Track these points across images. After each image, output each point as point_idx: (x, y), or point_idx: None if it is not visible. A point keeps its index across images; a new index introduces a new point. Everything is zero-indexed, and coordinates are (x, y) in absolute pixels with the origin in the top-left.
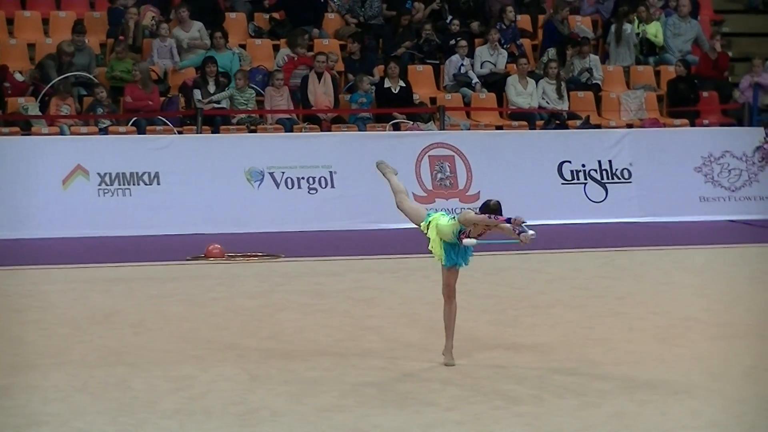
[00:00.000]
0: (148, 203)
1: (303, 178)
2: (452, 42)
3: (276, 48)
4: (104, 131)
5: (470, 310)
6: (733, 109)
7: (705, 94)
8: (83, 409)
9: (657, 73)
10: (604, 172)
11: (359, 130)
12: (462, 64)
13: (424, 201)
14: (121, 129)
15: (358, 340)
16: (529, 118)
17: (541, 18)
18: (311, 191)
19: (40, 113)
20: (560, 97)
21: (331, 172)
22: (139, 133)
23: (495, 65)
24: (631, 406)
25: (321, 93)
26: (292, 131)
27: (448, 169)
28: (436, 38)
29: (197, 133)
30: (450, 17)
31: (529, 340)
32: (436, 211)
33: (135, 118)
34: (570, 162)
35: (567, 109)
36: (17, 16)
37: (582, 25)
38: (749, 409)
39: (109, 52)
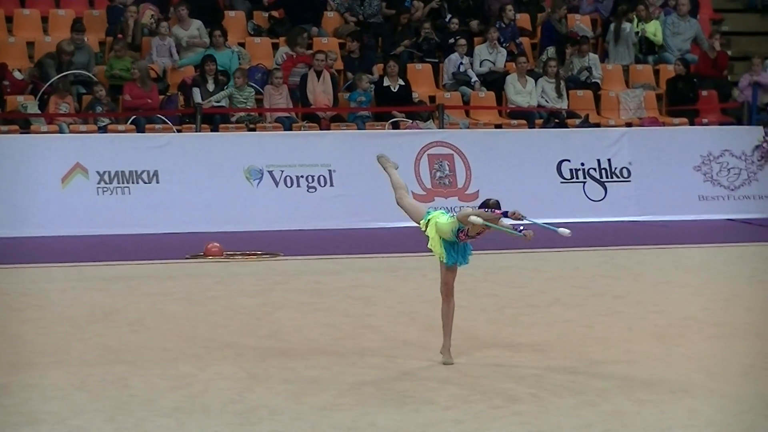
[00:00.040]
0: (147, 202)
1: (302, 176)
2: (451, 40)
3: (275, 46)
4: (103, 130)
5: (469, 309)
6: (733, 108)
7: (704, 93)
8: (82, 407)
9: (656, 72)
10: (603, 171)
11: (358, 129)
12: (461, 63)
13: (423, 199)
14: (120, 127)
15: (356, 338)
16: (528, 117)
17: (540, 16)
18: (310, 190)
19: (39, 111)
20: (559, 95)
21: (330, 171)
22: (138, 132)
23: (494, 64)
24: (629, 404)
25: (320, 91)
26: (291, 130)
27: (447, 168)
28: (435, 37)
29: (196, 131)
30: (449, 16)
31: (527, 338)
32: (436, 209)
33: (134, 117)
34: (569, 161)
35: (566, 107)
36: (16, 15)
37: (581, 23)
38: (748, 407)
39: (108, 51)
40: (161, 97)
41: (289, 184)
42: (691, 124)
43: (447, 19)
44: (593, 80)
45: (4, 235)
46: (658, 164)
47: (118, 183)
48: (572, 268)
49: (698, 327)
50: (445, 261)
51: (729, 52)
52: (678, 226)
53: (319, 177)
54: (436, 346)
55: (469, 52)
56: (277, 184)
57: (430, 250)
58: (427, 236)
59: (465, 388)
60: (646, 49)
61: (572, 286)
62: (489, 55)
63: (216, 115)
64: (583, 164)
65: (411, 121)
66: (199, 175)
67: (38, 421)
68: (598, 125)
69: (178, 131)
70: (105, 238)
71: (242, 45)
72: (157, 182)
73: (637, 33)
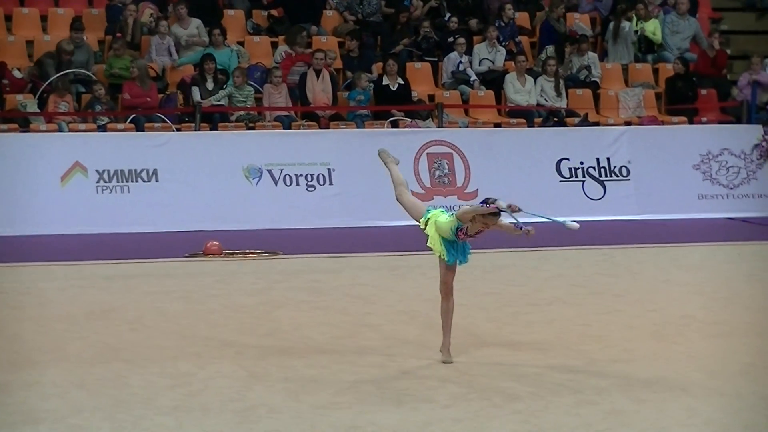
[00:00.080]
0: (147, 200)
1: (301, 175)
2: (450, 39)
3: (274, 45)
4: (102, 128)
5: (468, 308)
6: (732, 107)
7: (703, 91)
8: (81, 405)
9: (655, 71)
10: (602, 170)
11: (357, 128)
12: (460, 62)
13: (422, 198)
14: (120, 126)
15: (356, 337)
16: (527, 116)
17: (539, 15)
18: (309, 188)
19: (38, 110)
20: (558, 94)
21: (329, 170)
22: (137, 131)
23: (493, 63)
24: (628, 403)
25: (319, 90)
26: (290, 129)
27: (446, 167)
28: (434, 35)
29: (195, 130)
30: (448, 15)
31: (526, 337)
32: (435, 207)
33: (133, 116)
34: (568, 159)
35: (565, 106)
36: (16, 13)
37: (580, 22)
38: (747, 406)
39: (108, 50)
40: (160, 95)
41: (288, 183)
42: (691, 122)
43: (446, 18)
44: (592, 79)
45: (4, 234)
46: (658, 163)
47: (118, 182)
48: (571, 267)
49: (697, 326)
50: (446, 259)
51: (728, 51)
52: (677, 224)
53: (318, 176)
54: (436, 344)
55: (468, 51)
56: (276, 182)
57: (430, 249)
58: (427, 234)
59: (464, 387)
60: (646, 47)
61: (571, 285)
62: (488, 54)
63: (215, 113)
64: (582, 163)
65: (410, 119)
66: (199, 173)
67: (37, 420)
68: (597, 124)
69: (178, 130)
70: (104, 237)
71: (241, 44)
72: (157, 181)
73: (636, 32)
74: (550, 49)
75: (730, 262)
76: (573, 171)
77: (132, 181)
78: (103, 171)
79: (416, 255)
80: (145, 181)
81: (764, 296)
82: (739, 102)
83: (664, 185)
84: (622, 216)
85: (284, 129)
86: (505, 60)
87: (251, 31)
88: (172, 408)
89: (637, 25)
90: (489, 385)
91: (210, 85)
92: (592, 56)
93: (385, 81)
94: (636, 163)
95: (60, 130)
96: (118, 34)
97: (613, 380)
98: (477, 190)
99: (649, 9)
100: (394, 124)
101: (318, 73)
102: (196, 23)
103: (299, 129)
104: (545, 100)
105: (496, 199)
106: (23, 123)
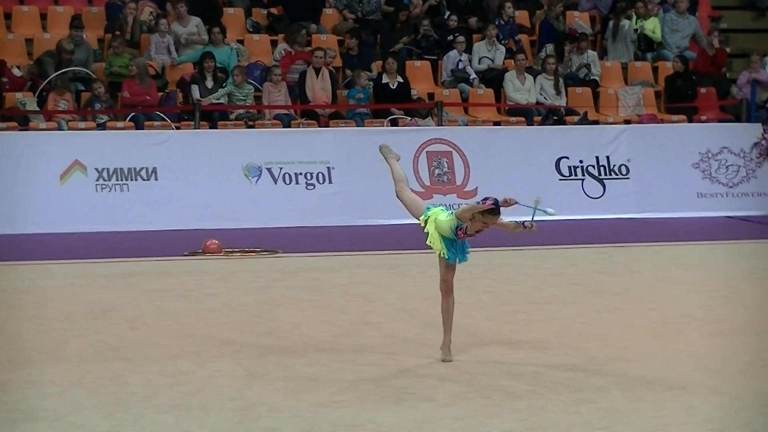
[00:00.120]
0: (146, 199)
1: (301, 173)
2: (450, 38)
3: (274, 43)
4: (102, 127)
5: (468, 306)
6: (731, 106)
7: (703, 90)
8: (80, 404)
9: (655, 69)
10: (601, 168)
11: (357, 126)
12: (460, 60)
13: (421, 197)
14: (119, 124)
15: (355, 335)
16: (526, 114)
17: (538, 13)
18: (309, 187)
19: (37, 108)
20: (558, 93)
21: (328, 168)
22: (136, 129)
23: (493, 61)
24: (627, 402)
25: (319, 89)
26: (289, 127)
27: (445, 165)
28: (434, 34)
29: (195, 128)
30: (448, 13)
31: (526, 335)
32: (435, 206)
33: (133, 114)
34: (568, 158)
35: (565, 105)
36: (15, 11)
37: (580, 21)
38: (746, 405)
39: (107, 48)
40: (160, 94)
41: (287, 182)
42: (690, 121)
43: (446, 16)
44: (592, 77)
45: (3, 232)
46: (657, 161)
47: (117, 180)
48: (570, 265)
49: (697, 324)
50: (446, 258)
51: (728, 50)
52: (676, 223)
53: (317, 174)
54: (435, 343)
55: (468, 50)
56: (275, 181)
57: (429, 247)
58: (426, 233)
59: (464, 385)
60: (645, 46)
61: (571, 283)
62: (488, 53)
63: (215, 112)
64: (581, 161)
65: (410, 118)
66: (198, 172)
67: (37, 418)
68: (596, 122)
69: (177, 128)
70: (103, 235)
71: (241, 42)
72: (156, 179)
73: (635, 30)
74: (549, 48)
75: (730, 261)
76: (572, 169)
77: (131, 180)
78: (103, 169)
79: (416, 253)
80: (144, 180)
81: (763, 295)
82: (739, 100)
83: (663, 184)
84: (622, 214)
85: (284, 127)
86: (505, 58)
87: (251, 30)
88: (172, 406)
89: (636, 23)
90: (488, 384)
91: (209, 84)
92: (591, 54)
93: (385, 79)
94: (635, 162)
95: (59, 129)
96: (117, 33)
97: (612, 379)
98: (476, 188)
99: (649, 7)
100: (394, 123)
101: (317, 71)
102: (195, 21)
103: (299, 127)
104: (545, 98)
105: (495, 200)
106: (22, 121)
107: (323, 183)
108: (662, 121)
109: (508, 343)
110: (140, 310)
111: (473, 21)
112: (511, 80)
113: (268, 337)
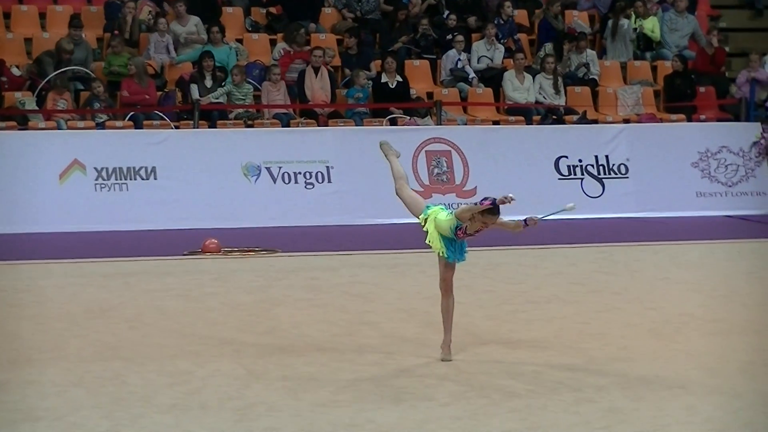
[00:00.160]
0: (145, 198)
1: (300, 173)
2: (449, 37)
3: (273, 43)
4: (101, 126)
5: (467, 305)
6: (730, 105)
7: (702, 89)
8: (80, 403)
9: (654, 69)
10: (600, 168)
11: (356, 125)
12: (459, 59)
13: (420, 196)
14: (118, 124)
15: (354, 335)
16: (526, 113)
17: (537, 13)
18: (308, 186)
19: (37, 108)
20: (557, 92)
21: (327, 167)
22: (136, 128)
23: (492, 60)
24: (626, 401)
25: (318, 88)
26: (288, 126)
27: (444, 164)
28: (433, 33)
29: (194, 128)
30: (447, 12)
31: (525, 335)
32: (435, 205)
33: (132, 113)
34: (567, 157)
35: (564, 104)
36: (14, 11)
37: (579, 20)
38: (746, 404)
39: (106, 47)
40: (159, 93)
41: (286, 181)
42: (689, 120)
43: (445, 16)
44: (591, 76)
45: (2, 232)
46: (656, 161)
47: (116, 179)
48: (570, 265)
49: (696, 324)
50: (446, 257)
51: (727, 49)
52: (676, 222)
53: (316, 173)
54: (435, 342)
55: (467, 49)
56: (274, 180)
57: (428, 246)
58: (426, 231)
59: (463, 385)
60: (644, 45)
61: (570, 283)
62: (487, 52)
63: (214, 111)
64: (580, 161)
65: (409, 117)
66: (197, 171)
67: (36, 418)
68: (595, 122)
69: (176, 128)
70: (103, 235)
71: (240, 41)
72: (155, 179)
73: (634, 29)
74: (548, 47)
75: (729, 260)
76: (571, 169)
77: (130, 179)
78: (102, 169)
79: (415, 253)
80: (143, 179)
81: (763, 294)
82: (738, 99)
83: (662, 183)
84: (621, 214)
85: (283, 127)
86: (504, 57)
87: (250, 29)
88: (171, 406)
89: (635, 22)
90: (488, 383)
91: (208, 83)
92: (590, 54)
93: (384, 78)
94: (634, 161)
95: (58, 128)
96: (116, 32)
97: (612, 378)
98: (475, 187)
99: (648, 6)
100: (393, 122)
101: (316, 70)
102: (194, 20)
103: (298, 127)
104: (544, 97)
105: (495, 200)
106: (22, 121)
107: (322, 182)
108: (661, 121)
109: (508, 343)
110: (139, 310)
111: (472, 20)
112: (510, 79)
113: (268, 336)
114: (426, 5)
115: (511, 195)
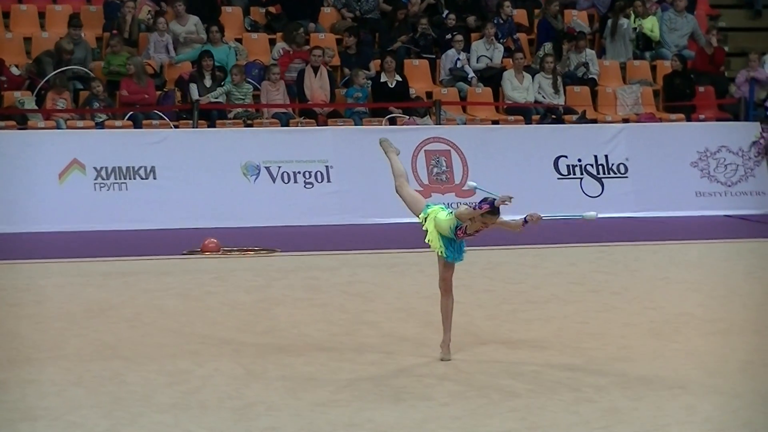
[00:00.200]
0: (144, 197)
1: (299, 172)
2: (448, 36)
3: (272, 42)
4: (100, 125)
5: (466, 305)
6: (730, 104)
7: (701, 89)
8: (79, 403)
9: (653, 68)
10: (600, 167)
11: (355, 125)
12: (458, 59)
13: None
14: (118, 123)
15: (353, 334)
16: (525, 113)
17: (536, 12)
18: (307, 186)
19: (36, 107)
20: (556, 91)
21: (327, 167)
22: (135, 128)
23: (491, 60)
24: (626, 401)
25: (317, 87)
26: (288, 126)
27: (444, 164)
28: (432, 33)
29: (193, 127)
30: (446, 12)
31: (525, 335)
32: (435, 204)
33: (131, 113)
34: (566, 157)
35: (563, 103)
36: (13, 10)
37: (578, 19)
38: (745, 404)
39: (105, 47)
40: (158, 92)
41: (286, 180)
42: (688, 120)
43: (444, 15)
44: (590, 76)
45: (2, 231)
46: (655, 160)
47: (115, 179)
48: (569, 264)
49: (695, 323)
50: (445, 256)
51: (726, 48)
52: (675, 222)
53: (316, 173)
54: (434, 342)
55: (466, 48)
56: (274, 180)
57: (428, 245)
58: (425, 230)
59: (462, 384)
60: (643, 45)
61: (569, 282)
62: (486, 51)
63: (213, 111)
64: (580, 160)
65: (408, 116)
66: (196, 171)
67: (35, 417)
68: (595, 121)
69: (175, 127)
70: (102, 234)
71: (239, 41)
72: (154, 178)
73: (634, 29)
74: (548, 46)
75: (728, 260)
76: (571, 168)
77: (130, 179)
78: (101, 168)
79: (415, 252)
80: (142, 179)
81: (762, 293)
82: (737, 99)
83: (661, 182)
84: (620, 213)
85: (282, 126)
86: (503, 57)
87: (249, 28)
88: (170, 405)
89: (635, 22)
90: (487, 383)
91: (208, 83)
92: (590, 53)
93: (383, 78)
94: (634, 161)
95: (58, 128)
96: (116, 31)
97: (611, 378)
98: (475, 187)
99: (647, 6)
100: (392, 122)
101: (316, 70)
102: (194, 20)
103: (297, 126)
104: (543, 97)
105: (494, 200)
106: (21, 120)
107: (322, 182)
108: (661, 120)
109: (507, 342)
110: (139, 309)
111: (471, 20)
112: (509, 79)
113: (267, 336)
114: (425, 5)
115: (510, 195)
